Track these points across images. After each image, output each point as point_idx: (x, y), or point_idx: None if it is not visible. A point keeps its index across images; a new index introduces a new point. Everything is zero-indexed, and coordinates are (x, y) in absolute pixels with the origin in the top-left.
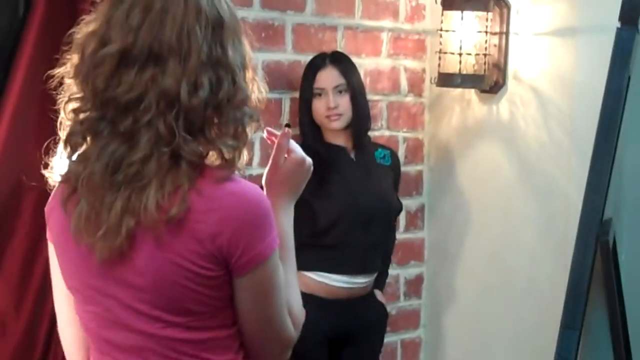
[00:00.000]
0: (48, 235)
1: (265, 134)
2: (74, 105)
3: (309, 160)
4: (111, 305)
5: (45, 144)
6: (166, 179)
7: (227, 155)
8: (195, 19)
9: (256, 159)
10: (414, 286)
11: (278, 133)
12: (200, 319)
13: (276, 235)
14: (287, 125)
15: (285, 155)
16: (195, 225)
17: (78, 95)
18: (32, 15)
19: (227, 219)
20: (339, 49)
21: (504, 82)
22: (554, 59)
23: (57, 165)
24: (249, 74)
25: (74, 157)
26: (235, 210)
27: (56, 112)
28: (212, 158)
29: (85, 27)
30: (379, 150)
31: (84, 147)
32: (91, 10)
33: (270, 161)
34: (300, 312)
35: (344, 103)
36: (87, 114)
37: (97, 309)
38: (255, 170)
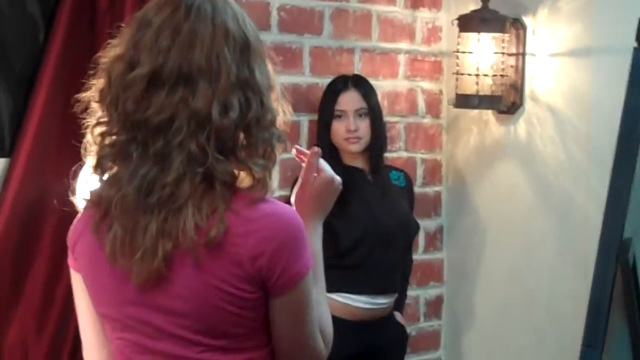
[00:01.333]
0: (72, 263)
1: (294, 152)
2: (101, 129)
3: (338, 178)
4: (148, 331)
5: (73, 168)
6: (202, 201)
7: (258, 175)
8: (224, 41)
9: (275, 182)
10: (434, 307)
11: (307, 152)
12: (238, 341)
13: (310, 255)
14: (317, 145)
15: (315, 174)
16: (233, 247)
17: (105, 119)
18: (51, 41)
19: (266, 241)
20: (356, 72)
21: (521, 103)
22: (570, 79)
23: (82, 190)
24: (274, 96)
25: (104, 181)
26: (273, 231)
27: (77, 136)
28: (242, 178)
29: (111, 51)
30: (393, 172)
31: (114, 170)
32: (112, 35)
33: (300, 180)
34: (330, 330)
35: (364, 126)
36: (116, 137)
37: (132, 335)
38: (275, 193)
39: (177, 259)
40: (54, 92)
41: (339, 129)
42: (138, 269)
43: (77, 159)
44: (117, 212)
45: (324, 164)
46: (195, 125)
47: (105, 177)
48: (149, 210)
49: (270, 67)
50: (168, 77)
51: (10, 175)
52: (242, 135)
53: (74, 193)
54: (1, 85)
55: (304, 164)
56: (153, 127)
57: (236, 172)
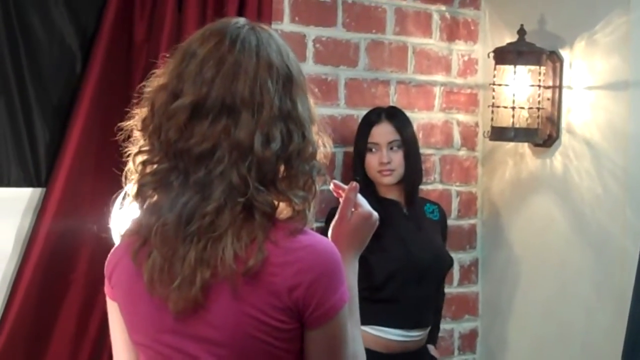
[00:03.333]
0: (108, 292)
1: (332, 187)
2: (142, 157)
3: (375, 214)
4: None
5: (113, 197)
6: (242, 230)
7: (298, 207)
8: (267, 73)
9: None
10: (468, 340)
11: (345, 186)
12: None
13: (346, 288)
14: (356, 180)
15: (353, 209)
16: (271, 277)
17: (147, 148)
18: (88, 73)
19: (303, 272)
20: (391, 104)
21: (558, 136)
22: (607, 112)
23: (117, 219)
24: (315, 129)
25: (144, 209)
26: (311, 263)
27: (113, 167)
28: (281, 209)
29: (155, 81)
30: (428, 205)
31: (154, 198)
32: (151, 66)
33: (337, 214)
34: None
35: (397, 159)
36: (157, 165)
37: None
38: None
39: (215, 288)
40: (90, 124)
41: (372, 161)
42: (176, 297)
43: (111, 190)
44: (157, 240)
45: (361, 199)
46: (237, 156)
47: (146, 205)
48: (189, 238)
49: (311, 100)
50: (211, 107)
51: (45, 205)
52: (282, 167)
53: (110, 222)
54: (38, 115)
55: (341, 199)
56: (195, 156)
57: (275, 203)
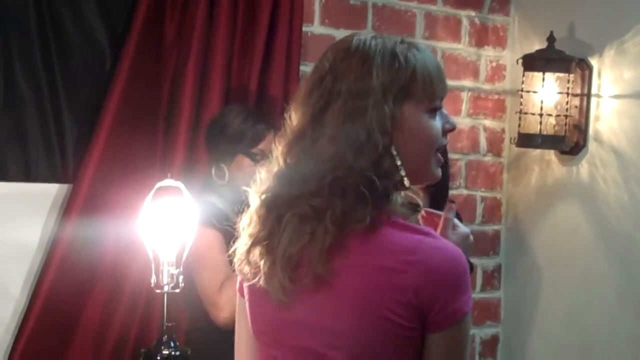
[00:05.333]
0: (240, 288)
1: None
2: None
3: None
4: (299, 351)
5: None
6: (370, 229)
7: (418, 210)
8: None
9: None
10: (490, 346)
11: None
12: None
13: (471, 297)
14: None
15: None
16: (398, 274)
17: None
18: (118, 69)
19: (430, 272)
20: None
21: (585, 144)
22: (635, 121)
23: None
24: None
25: (266, 204)
26: (438, 263)
27: (144, 162)
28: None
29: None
30: None
31: (277, 192)
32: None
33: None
34: None
35: None
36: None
37: (283, 353)
38: None
39: (341, 281)
40: (119, 121)
41: None
42: (300, 289)
43: (138, 187)
44: (285, 234)
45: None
46: (367, 161)
47: (268, 200)
48: (315, 234)
49: None
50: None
51: (72, 201)
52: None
53: (138, 219)
54: (68, 111)
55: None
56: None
57: (399, 203)
